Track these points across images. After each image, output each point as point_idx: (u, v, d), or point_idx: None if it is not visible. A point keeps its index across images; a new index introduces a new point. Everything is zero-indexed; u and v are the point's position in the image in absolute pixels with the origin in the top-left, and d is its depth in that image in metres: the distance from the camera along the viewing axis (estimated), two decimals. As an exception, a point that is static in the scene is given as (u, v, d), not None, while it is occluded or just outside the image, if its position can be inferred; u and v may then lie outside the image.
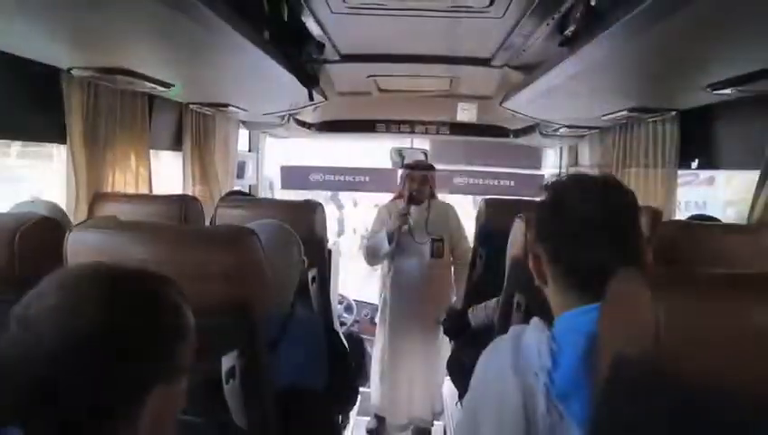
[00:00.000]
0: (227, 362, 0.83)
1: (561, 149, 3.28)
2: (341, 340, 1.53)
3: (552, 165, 3.54)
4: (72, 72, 1.43)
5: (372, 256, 2.49)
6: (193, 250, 0.84)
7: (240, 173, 2.96)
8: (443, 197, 2.82)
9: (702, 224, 1.41)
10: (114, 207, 1.52)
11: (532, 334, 0.73)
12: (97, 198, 1.59)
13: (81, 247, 0.86)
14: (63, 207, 1.49)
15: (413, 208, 2.42)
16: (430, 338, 2.56)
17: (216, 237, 0.88)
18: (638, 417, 0.55)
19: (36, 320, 0.50)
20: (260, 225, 1.07)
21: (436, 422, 2.75)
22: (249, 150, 3.22)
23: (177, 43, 1.23)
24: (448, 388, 2.63)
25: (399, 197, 2.52)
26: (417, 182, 2.47)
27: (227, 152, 2.61)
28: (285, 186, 3.49)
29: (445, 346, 2.57)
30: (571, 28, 1.46)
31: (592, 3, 1.16)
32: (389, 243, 2.37)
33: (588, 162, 2.85)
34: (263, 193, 3.32)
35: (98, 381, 0.49)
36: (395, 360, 2.57)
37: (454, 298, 2.53)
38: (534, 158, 3.59)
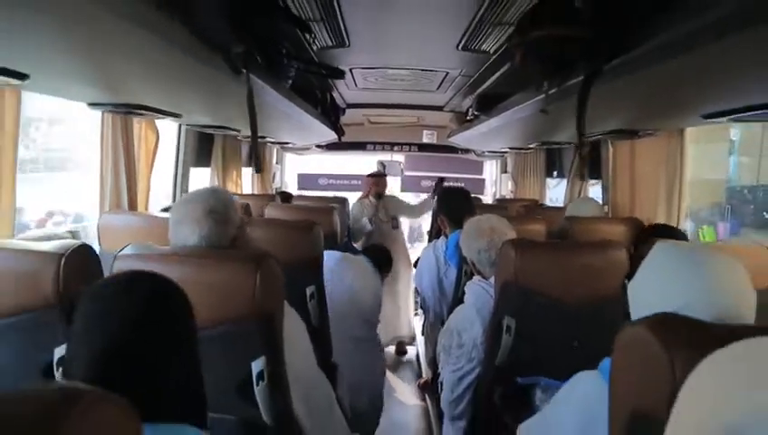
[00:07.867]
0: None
1: (497, 161, 4.73)
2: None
3: (489, 172, 4.99)
4: (239, 138, 2.79)
5: (358, 234, 3.55)
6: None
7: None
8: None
9: (542, 206, 2.85)
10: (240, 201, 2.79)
11: (440, 241, 2.12)
12: (223, 196, 2.90)
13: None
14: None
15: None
16: (396, 279, 3.78)
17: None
18: None
19: None
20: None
21: (409, 347, 4.06)
22: (276, 163, 4.53)
23: (281, 123, 2.56)
24: (419, 320, 3.96)
25: (366, 195, 3.68)
26: (381, 185, 3.68)
27: (270, 166, 3.95)
28: (301, 187, 4.82)
29: (410, 288, 3.88)
30: (471, 110, 2.88)
31: (473, 109, 2.55)
32: (370, 224, 3.56)
33: (510, 171, 4.31)
34: (287, 193, 4.63)
35: None
36: None
37: (412, 257, 3.81)
38: (478, 167, 5.02)
